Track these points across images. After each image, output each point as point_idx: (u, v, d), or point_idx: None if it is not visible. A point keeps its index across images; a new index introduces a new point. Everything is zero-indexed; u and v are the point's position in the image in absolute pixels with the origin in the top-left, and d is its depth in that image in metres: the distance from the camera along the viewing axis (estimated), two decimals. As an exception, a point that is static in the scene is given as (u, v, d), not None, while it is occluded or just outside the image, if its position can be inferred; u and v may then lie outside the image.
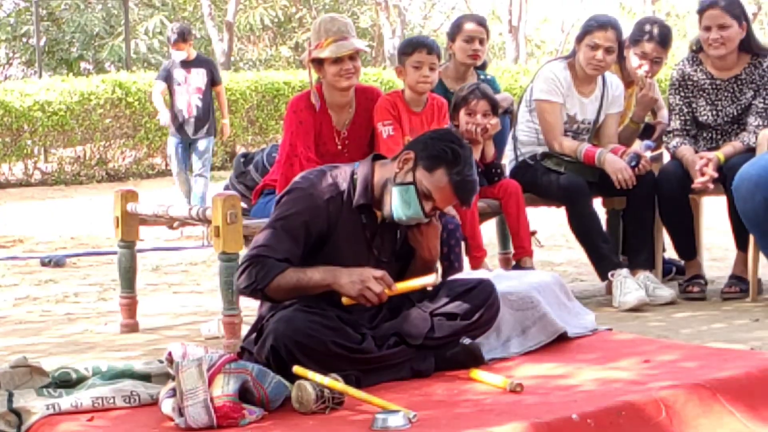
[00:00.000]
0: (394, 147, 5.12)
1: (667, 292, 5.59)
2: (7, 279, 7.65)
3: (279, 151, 5.17)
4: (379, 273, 3.81)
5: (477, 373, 3.84)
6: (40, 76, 20.02)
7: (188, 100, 10.49)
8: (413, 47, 5.35)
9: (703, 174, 5.58)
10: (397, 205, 3.89)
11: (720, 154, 5.63)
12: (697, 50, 5.87)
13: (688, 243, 5.87)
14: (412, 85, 5.31)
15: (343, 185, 3.94)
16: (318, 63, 5.03)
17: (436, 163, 3.86)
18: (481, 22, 6.03)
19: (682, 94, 5.85)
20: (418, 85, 5.29)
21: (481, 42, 5.95)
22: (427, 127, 5.35)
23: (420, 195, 3.86)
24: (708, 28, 5.68)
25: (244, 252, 4.94)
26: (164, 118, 10.61)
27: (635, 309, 5.41)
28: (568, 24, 34.99)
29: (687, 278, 5.87)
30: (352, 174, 3.98)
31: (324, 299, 3.87)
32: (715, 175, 5.57)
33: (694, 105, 5.85)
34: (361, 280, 3.77)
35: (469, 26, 5.97)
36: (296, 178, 4.01)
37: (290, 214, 3.87)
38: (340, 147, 5.12)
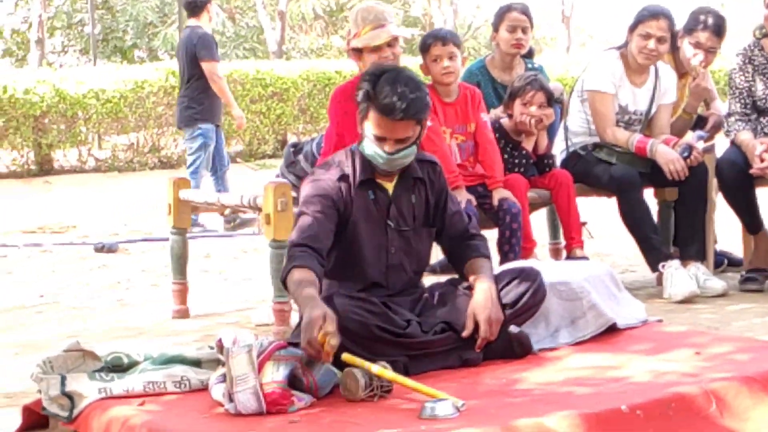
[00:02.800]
0: (434, 137, 5.14)
1: (718, 284, 5.55)
2: (61, 264, 7.72)
3: (325, 141, 5.18)
4: (330, 329, 3.52)
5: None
6: (95, 63, 20.21)
7: None
8: (428, 42, 5.38)
9: (762, 159, 5.54)
10: (372, 161, 3.95)
11: None
12: (761, 36, 5.82)
13: (753, 218, 5.82)
14: (437, 79, 5.33)
15: (347, 166, 4.00)
16: (358, 52, 5.03)
17: (365, 108, 3.92)
18: (524, 11, 5.99)
19: (744, 78, 5.80)
20: (442, 77, 5.30)
21: (524, 31, 5.93)
22: (462, 116, 5.36)
23: (373, 141, 3.91)
24: None
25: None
26: (238, 112, 9.83)
27: (686, 301, 5.37)
28: (621, 14, 34.70)
29: (750, 270, 5.82)
30: (353, 154, 4.03)
31: (367, 287, 3.93)
32: None
33: (754, 89, 5.80)
34: (306, 328, 3.51)
35: (512, 15, 5.94)
36: (310, 172, 4.10)
37: (314, 195, 3.92)
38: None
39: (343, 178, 3.97)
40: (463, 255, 4.14)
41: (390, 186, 4.05)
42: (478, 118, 5.41)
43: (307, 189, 3.98)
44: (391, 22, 5.09)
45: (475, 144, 5.43)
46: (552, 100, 5.61)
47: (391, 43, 5.00)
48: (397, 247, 4.05)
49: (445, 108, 5.34)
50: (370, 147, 3.93)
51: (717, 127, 6.10)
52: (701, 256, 5.71)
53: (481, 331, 3.89)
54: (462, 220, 4.20)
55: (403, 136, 3.91)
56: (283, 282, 3.82)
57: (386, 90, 3.86)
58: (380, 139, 3.91)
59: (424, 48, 5.39)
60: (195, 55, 9.25)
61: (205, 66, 9.22)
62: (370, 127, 3.92)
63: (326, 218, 3.89)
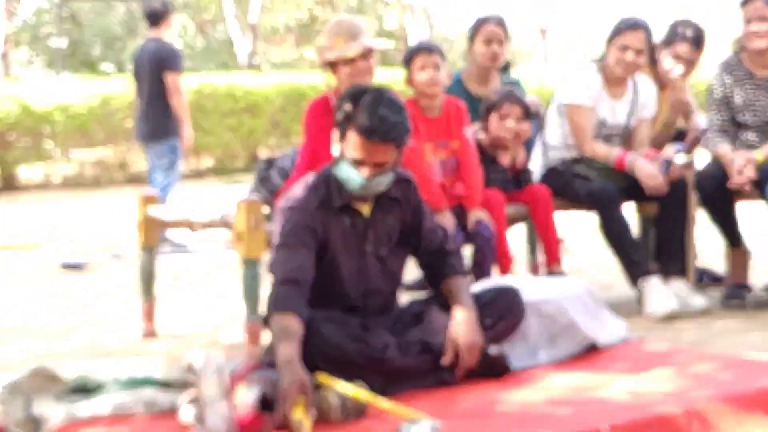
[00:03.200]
0: (414, 158, 5.06)
1: (700, 300, 5.51)
2: (27, 282, 7.63)
3: (300, 156, 5.12)
4: (304, 402, 3.40)
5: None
6: (60, 77, 20.11)
7: None
8: (412, 53, 5.34)
9: (740, 173, 5.52)
10: (345, 185, 3.84)
11: (759, 155, 5.58)
12: (738, 50, 5.82)
13: (733, 232, 5.81)
14: (422, 87, 5.27)
15: (322, 191, 3.90)
16: (332, 65, 4.98)
17: (343, 129, 3.81)
18: (499, 23, 5.97)
19: (722, 91, 5.80)
20: (427, 87, 5.24)
21: (500, 43, 5.89)
22: (445, 132, 5.30)
23: (351, 165, 3.80)
24: (750, 21, 5.64)
25: (266, 257, 4.89)
26: (189, 131, 9.36)
27: (667, 319, 5.33)
28: (599, 27, 34.91)
29: (732, 287, 5.80)
30: (327, 178, 3.92)
31: (344, 310, 3.86)
32: (753, 176, 5.52)
33: (732, 102, 5.79)
34: (282, 402, 3.40)
35: (488, 28, 5.91)
36: (285, 197, 3.97)
37: (294, 226, 3.82)
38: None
39: (321, 204, 3.87)
40: (439, 272, 4.09)
41: (366, 210, 3.96)
42: (461, 134, 5.35)
43: (285, 217, 3.86)
44: (366, 34, 5.04)
45: (458, 162, 5.36)
46: (528, 113, 5.57)
47: (366, 55, 4.95)
48: (375, 271, 3.98)
49: (427, 123, 5.28)
50: (346, 170, 3.82)
51: (696, 142, 6.09)
52: (682, 272, 5.68)
53: (461, 360, 3.84)
54: (437, 236, 4.14)
55: (382, 160, 3.81)
56: (265, 320, 3.75)
57: (368, 111, 3.75)
58: (358, 163, 3.80)
59: (409, 59, 5.33)
60: (161, 69, 9.13)
61: (170, 78, 9.09)
62: (348, 149, 3.81)
63: (308, 251, 3.80)
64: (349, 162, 3.81)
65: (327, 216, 3.87)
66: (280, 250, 3.81)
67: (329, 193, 3.89)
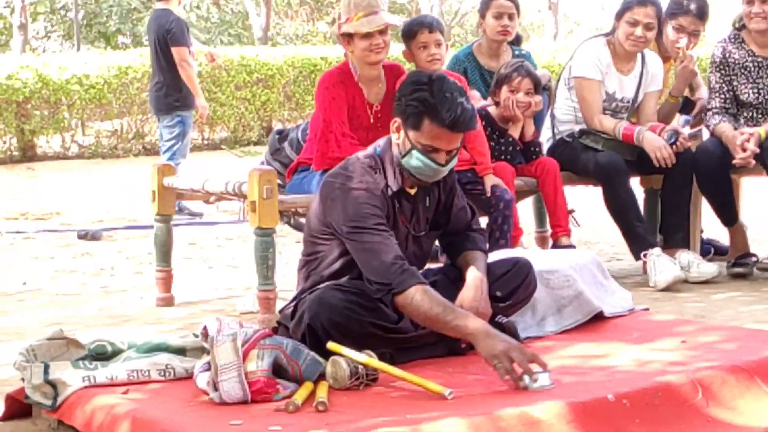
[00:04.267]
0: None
1: (712, 267, 5.54)
2: (44, 252, 7.68)
3: (311, 127, 5.15)
4: (528, 353, 3.53)
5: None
6: (78, 49, 20.11)
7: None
8: (415, 29, 5.35)
9: (744, 150, 5.53)
10: (419, 173, 3.83)
11: (761, 131, 5.58)
12: (740, 28, 5.81)
13: (728, 211, 5.82)
14: (423, 66, 5.29)
15: (380, 174, 3.89)
16: (348, 37, 5.00)
17: (417, 119, 3.76)
18: None
19: (723, 72, 5.80)
20: (428, 64, 5.27)
21: (511, 17, 5.90)
22: None
23: (425, 153, 3.79)
24: (751, 2, 5.63)
25: (279, 227, 4.95)
26: (202, 101, 9.51)
27: (671, 287, 5.37)
28: (607, 2, 34.70)
29: (737, 257, 5.83)
30: (380, 160, 3.91)
31: (361, 279, 3.84)
32: (757, 150, 5.53)
33: (735, 83, 5.79)
34: (505, 354, 3.49)
35: (498, 2, 5.92)
36: (344, 176, 3.87)
37: (374, 211, 3.78)
38: (373, 121, 5.08)
39: (383, 185, 3.85)
40: (460, 246, 4.10)
41: (413, 192, 3.97)
42: None
43: (359, 197, 3.79)
44: (384, 9, 5.06)
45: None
46: (539, 86, 5.60)
47: (383, 30, 4.97)
48: (411, 253, 3.97)
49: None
50: (420, 158, 3.79)
51: (703, 112, 6.08)
52: (686, 244, 5.70)
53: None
54: (466, 215, 4.15)
55: (456, 146, 3.84)
56: (393, 296, 3.69)
57: (450, 103, 3.72)
58: (434, 150, 3.79)
59: (410, 34, 5.36)
60: (167, 41, 9.16)
61: (175, 51, 9.12)
62: (421, 137, 3.77)
63: (391, 232, 3.78)
64: (421, 150, 3.79)
65: (384, 198, 3.85)
66: (361, 233, 3.75)
67: (386, 176, 3.88)
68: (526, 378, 3.39)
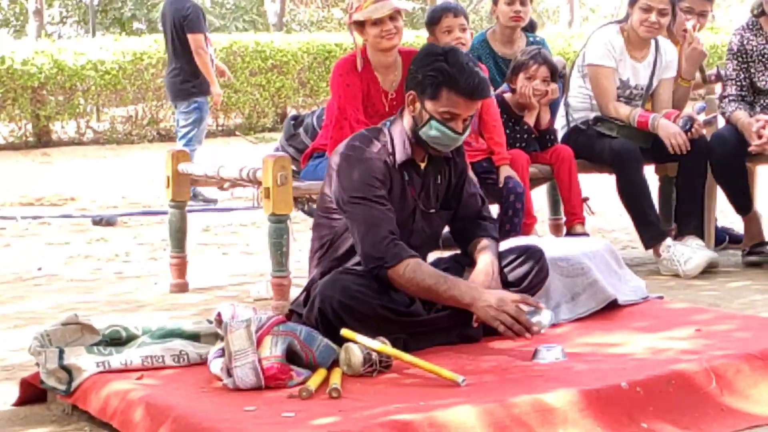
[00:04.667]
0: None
1: (700, 259, 5.46)
2: (59, 237, 7.71)
3: (327, 114, 5.15)
4: (517, 297, 3.77)
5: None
6: (93, 35, 20.14)
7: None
8: (439, 14, 5.37)
9: (760, 136, 5.50)
10: (436, 143, 3.89)
11: None
12: (758, 15, 5.78)
13: (743, 199, 5.80)
14: None
15: (386, 145, 3.93)
16: (360, 25, 5.00)
17: (435, 89, 3.84)
18: None
19: (740, 59, 5.77)
20: None
21: (523, 3, 5.90)
22: None
23: (443, 122, 3.85)
24: None
25: (294, 214, 4.95)
26: (217, 89, 9.57)
27: (707, 270, 5.41)
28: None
29: (752, 245, 5.81)
30: (389, 132, 3.97)
31: None
32: None
33: (752, 70, 5.76)
34: (498, 306, 3.71)
35: None
36: (347, 146, 3.94)
37: (372, 182, 3.83)
38: (388, 108, 5.07)
39: (387, 157, 3.90)
40: (471, 233, 4.12)
41: (422, 166, 4.01)
42: None
43: (352, 167, 3.85)
44: None
45: (480, 120, 5.40)
46: (556, 74, 5.59)
47: (394, 16, 4.96)
48: (420, 229, 4.01)
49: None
50: (437, 128, 3.85)
51: (719, 100, 6.05)
52: (699, 230, 5.68)
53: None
54: (477, 202, 4.18)
55: (472, 114, 3.91)
56: (387, 270, 3.75)
57: (466, 72, 3.81)
58: (452, 118, 3.85)
59: (434, 20, 5.38)
60: (183, 27, 9.16)
61: (192, 39, 9.13)
62: (439, 106, 3.83)
63: (388, 204, 3.83)
64: (439, 119, 3.85)
65: (388, 169, 3.90)
66: (360, 206, 3.81)
67: (393, 147, 3.93)
68: (540, 348, 3.63)
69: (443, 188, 4.08)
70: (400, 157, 3.91)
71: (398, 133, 3.94)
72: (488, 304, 3.71)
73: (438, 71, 3.83)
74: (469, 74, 3.81)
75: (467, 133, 3.94)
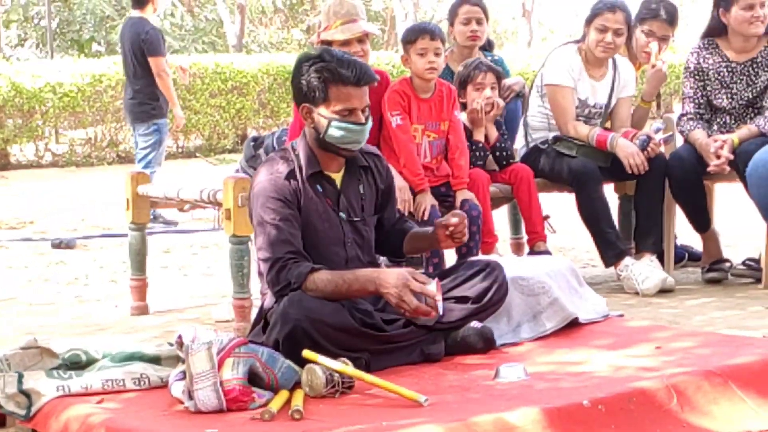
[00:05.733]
0: (403, 136, 5.15)
1: (655, 280, 5.47)
2: (18, 260, 7.65)
3: (290, 135, 5.15)
4: (421, 276, 3.82)
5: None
6: (52, 57, 20.01)
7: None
8: (416, 35, 5.32)
9: (718, 157, 5.55)
10: (344, 142, 3.93)
11: (734, 137, 5.60)
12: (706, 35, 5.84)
13: (702, 217, 5.83)
14: (419, 73, 5.28)
15: (292, 162, 3.98)
16: (327, 45, 5.01)
17: (324, 91, 3.89)
18: (477, 3, 6.00)
19: (697, 78, 5.82)
20: (425, 72, 5.26)
21: (479, 22, 5.93)
22: (436, 113, 5.33)
23: (343, 119, 3.90)
24: (751, 6, 5.62)
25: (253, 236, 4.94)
26: (179, 111, 9.65)
27: (662, 291, 5.41)
28: (581, 9, 34.84)
29: (711, 262, 5.84)
30: (293, 150, 4.02)
31: None
32: (731, 156, 5.54)
33: (708, 88, 5.81)
34: (399, 287, 3.76)
35: (465, 8, 5.95)
36: (255, 173, 4.06)
37: (271, 200, 3.89)
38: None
39: (291, 173, 3.95)
40: (401, 232, 4.25)
41: (338, 177, 4.05)
42: (452, 116, 5.39)
43: (260, 192, 3.92)
44: (363, 17, 5.07)
45: (447, 143, 5.40)
46: (501, 78, 5.62)
47: (362, 38, 4.98)
48: (352, 240, 4.05)
49: (420, 104, 5.30)
50: (339, 127, 3.90)
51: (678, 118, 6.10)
52: (658, 248, 5.72)
53: (452, 221, 4.03)
54: (395, 209, 4.32)
55: (367, 103, 3.95)
56: (300, 290, 3.80)
57: (344, 61, 3.89)
58: (350, 113, 3.90)
59: (410, 40, 5.33)
60: (143, 50, 9.13)
61: (153, 62, 9.10)
62: (334, 106, 3.89)
63: (292, 222, 3.89)
64: (338, 118, 3.89)
65: (297, 185, 3.94)
66: (263, 227, 3.89)
67: (298, 163, 3.97)
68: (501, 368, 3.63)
69: (371, 196, 4.13)
70: (306, 171, 3.95)
71: (302, 147, 4.00)
72: (387, 289, 3.75)
73: (319, 72, 3.88)
74: (349, 63, 3.88)
75: (370, 122, 3.98)
